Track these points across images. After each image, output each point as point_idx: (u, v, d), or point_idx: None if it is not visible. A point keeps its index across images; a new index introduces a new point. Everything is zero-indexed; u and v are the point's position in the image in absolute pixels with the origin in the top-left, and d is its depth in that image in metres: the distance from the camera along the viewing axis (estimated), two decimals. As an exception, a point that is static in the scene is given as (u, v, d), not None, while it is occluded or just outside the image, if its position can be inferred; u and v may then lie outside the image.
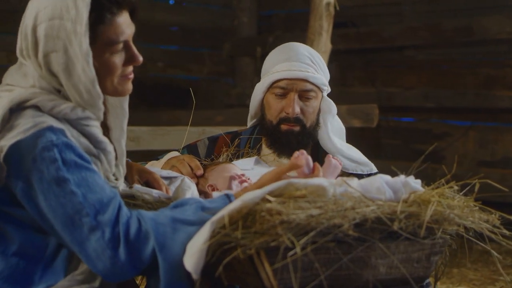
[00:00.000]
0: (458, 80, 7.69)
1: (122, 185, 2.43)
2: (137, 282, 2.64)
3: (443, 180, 2.31)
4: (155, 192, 2.50)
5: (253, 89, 3.13)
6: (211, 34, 9.18)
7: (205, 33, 9.15)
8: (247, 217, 2.04)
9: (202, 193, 2.71)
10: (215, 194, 2.56)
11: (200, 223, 2.12)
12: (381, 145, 8.33)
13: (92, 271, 2.13)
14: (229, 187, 2.68)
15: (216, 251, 2.05)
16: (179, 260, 2.07)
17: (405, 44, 7.86)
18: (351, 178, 2.27)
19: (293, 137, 3.00)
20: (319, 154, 3.05)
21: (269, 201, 2.05)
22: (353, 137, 7.55)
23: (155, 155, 3.08)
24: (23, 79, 2.23)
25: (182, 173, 2.75)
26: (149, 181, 2.60)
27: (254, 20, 9.15)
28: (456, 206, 2.24)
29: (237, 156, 3.07)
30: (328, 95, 3.12)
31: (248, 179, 2.73)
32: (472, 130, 7.69)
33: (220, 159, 3.02)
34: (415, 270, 2.27)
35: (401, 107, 8.07)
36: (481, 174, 2.56)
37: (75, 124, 2.20)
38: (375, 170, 3.04)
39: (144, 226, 2.11)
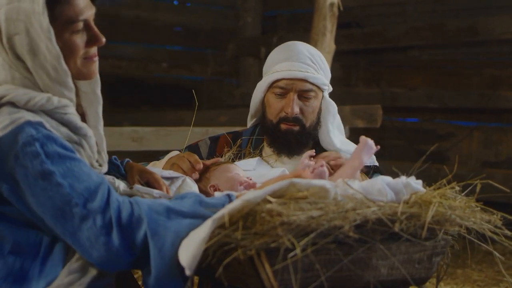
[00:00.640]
0: (463, 81, 7.67)
1: (105, 170, 2.42)
2: (139, 282, 2.63)
3: (444, 181, 2.30)
4: (155, 192, 2.49)
5: (257, 90, 3.13)
6: (215, 35, 9.18)
7: (209, 34, 9.16)
8: (247, 218, 2.03)
9: (204, 193, 2.70)
10: (217, 194, 2.55)
11: (195, 217, 2.12)
12: (385, 145, 8.30)
13: (88, 260, 2.13)
14: (232, 187, 2.67)
15: (217, 251, 2.04)
16: (171, 249, 2.07)
17: (409, 45, 7.85)
18: (352, 180, 2.26)
19: (292, 137, 3.01)
20: (320, 153, 3.03)
21: (270, 202, 2.04)
22: (357, 137, 7.55)
23: (158, 155, 3.08)
24: None
25: (182, 169, 2.75)
26: (150, 181, 2.60)
27: (258, 20, 9.15)
28: (457, 206, 2.23)
29: (239, 156, 3.07)
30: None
31: (250, 179, 2.72)
32: (476, 130, 7.68)
33: (223, 160, 3.02)
34: (416, 271, 2.26)
35: (405, 107, 8.06)
36: (485, 174, 2.54)
37: (52, 114, 2.21)
38: (376, 163, 3.05)
39: (137, 211, 2.11)
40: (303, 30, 7.90)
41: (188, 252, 2.03)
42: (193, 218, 2.12)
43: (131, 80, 8.72)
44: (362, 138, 2.54)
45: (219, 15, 9.24)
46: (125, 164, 2.68)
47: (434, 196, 2.19)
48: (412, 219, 2.14)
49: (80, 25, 2.25)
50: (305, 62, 2.99)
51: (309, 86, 2.99)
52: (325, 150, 3.05)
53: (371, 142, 2.54)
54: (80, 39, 2.26)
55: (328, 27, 5.59)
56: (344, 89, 8.40)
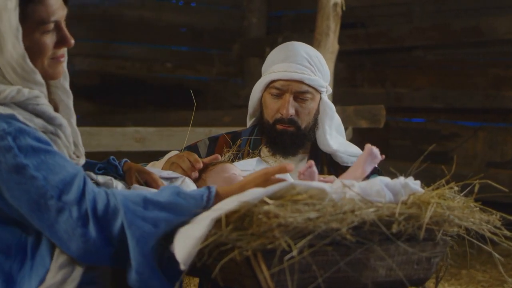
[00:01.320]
0: (467, 81, 7.66)
1: (83, 162, 2.41)
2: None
3: (443, 181, 2.29)
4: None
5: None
6: (220, 35, 9.18)
7: (214, 34, 9.16)
8: (244, 219, 2.02)
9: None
10: None
11: (173, 207, 2.11)
12: (390, 145, 8.31)
13: (67, 253, 2.11)
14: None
15: (213, 252, 2.03)
16: (149, 240, 2.06)
17: (414, 45, 7.84)
18: (351, 181, 2.25)
19: (288, 137, 3.00)
20: (318, 154, 3.05)
21: (267, 203, 2.03)
22: (361, 137, 7.56)
23: (161, 156, 3.07)
24: None
25: (182, 168, 2.74)
26: (148, 182, 2.59)
27: (263, 20, 9.16)
28: (456, 207, 2.21)
29: (238, 157, 3.06)
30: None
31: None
32: (481, 130, 7.66)
33: (221, 158, 3.01)
34: (415, 272, 2.25)
35: (410, 107, 8.05)
36: (483, 174, 2.52)
37: (24, 105, 2.19)
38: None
39: (113, 202, 2.10)
40: (308, 30, 7.89)
41: (184, 248, 2.02)
42: (171, 209, 2.11)
43: (135, 80, 8.72)
44: (367, 146, 2.52)
45: (224, 15, 9.24)
46: (123, 164, 2.67)
47: (432, 196, 2.18)
48: (410, 220, 2.13)
49: (51, 26, 2.23)
50: (302, 63, 2.98)
51: (305, 88, 2.98)
52: (322, 152, 3.05)
53: (376, 151, 2.50)
54: (49, 40, 2.24)
55: (331, 27, 5.58)
56: (349, 90, 8.40)
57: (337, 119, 3.12)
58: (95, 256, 2.09)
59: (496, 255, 2.36)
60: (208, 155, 3.07)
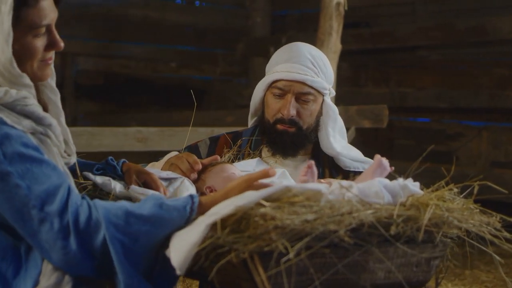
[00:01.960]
0: (472, 80, 7.64)
1: (74, 160, 2.39)
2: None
3: (443, 182, 2.27)
4: (151, 194, 2.47)
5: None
6: (224, 34, 9.18)
7: (218, 33, 9.16)
8: (241, 221, 2.00)
9: (201, 194, 2.68)
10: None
11: (154, 220, 2.09)
12: (394, 145, 8.30)
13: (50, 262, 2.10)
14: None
15: (210, 254, 2.02)
16: (130, 254, 2.05)
17: (418, 44, 7.82)
18: (349, 182, 2.23)
19: (288, 137, 2.98)
20: (319, 156, 3.03)
21: (263, 206, 2.01)
22: (366, 137, 7.55)
23: (162, 156, 3.06)
24: None
25: (181, 169, 2.73)
26: (147, 182, 2.58)
27: (268, 20, 9.15)
28: (455, 209, 2.19)
29: (239, 157, 3.05)
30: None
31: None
32: (485, 130, 7.64)
33: (220, 159, 2.99)
34: (414, 274, 2.23)
35: (414, 107, 8.04)
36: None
37: (12, 106, 2.17)
38: None
39: (95, 214, 2.07)
40: (312, 30, 7.87)
41: (180, 253, 2.01)
42: (153, 223, 2.09)
43: (139, 80, 8.72)
44: (377, 158, 2.48)
45: (228, 14, 9.23)
46: (122, 165, 2.66)
47: (431, 198, 2.16)
48: (409, 222, 2.11)
49: (43, 29, 2.21)
50: (305, 64, 2.97)
51: (307, 89, 2.96)
52: (324, 153, 3.03)
53: (386, 162, 2.46)
54: (40, 43, 2.22)
55: (334, 27, 5.56)
56: (353, 89, 8.39)
57: (340, 122, 3.10)
58: (76, 268, 2.07)
59: (497, 257, 2.34)
60: (208, 155, 3.06)
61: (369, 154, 3.02)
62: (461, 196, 2.30)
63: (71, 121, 7.74)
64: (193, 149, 3.12)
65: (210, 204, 2.14)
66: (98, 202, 2.12)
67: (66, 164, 2.32)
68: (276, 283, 1.99)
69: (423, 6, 7.95)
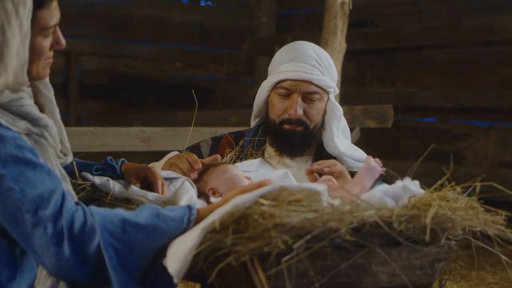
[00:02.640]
0: (478, 80, 7.61)
1: (70, 159, 2.36)
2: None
3: (444, 180, 2.22)
4: (151, 195, 2.44)
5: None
6: (229, 34, 9.17)
7: (224, 33, 9.15)
8: (240, 222, 1.97)
9: (202, 195, 2.66)
10: (213, 199, 2.50)
11: (152, 230, 2.06)
12: (400, 145, 8.27)
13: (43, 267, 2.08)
14: (231, 189, 2.61)
15: (208, 257, 1.98)
16: (125, 262, 2.02)
17: (424, 44, 7.79)
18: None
19: (295, 136, 2.97)
20: (322, 156, 3.00)
21: (262, 204, 1.97)
22: (371, 137, 7.52)
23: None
24: None
25: (181, 169, 2.70)
26: (147, 176, 2.56)
27: (273, 19, 9.14)
28: (459, 208, 2.15)
29: (241, 157, 3.03)
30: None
31: (249, 179, 2.68)
32: (492, 130, 7.60)
33: (221, 159, 2.97)
34: (418, 277, 2.19)
35: (420, 107, 8.01)
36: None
37: (8, 107, 2.14)
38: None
39: (90, 221, 2.04)
40: (318, 29, 7.84)
41: (177, 261, 1.98)
42: (149, 232, 2.06)
43: (145, 79, 8.71)
44: (366, 160, 2.47)
45: (233, 14, 9.22)
46: (121, 165, 2.63)
47: (433, 198, 2.12)
48: (412, 221, 2.07)
49: (52, 29, 2.20)
50: (310, 63, 2.95)
51: (313, 88, 2.94)
52: (328, 153, 3.01)
53: (374, 164, 2.45)
54: (47, 43, 2.21)
55: (339, 26, 5.52)
56: (358, 89, 8.36)
57: (343, 121, 3.09)
58: (70, 274, 2.05)
59: (503, 257, 2.29)
60: (210, 155, 3.04)
61: (374, 154, 3.00)
62: (465, 195, 2.25)
63: (75, 121, 7.73)
64: (195, 149, 3.11)
65: (207, 215, 2.10)
66: (94, 208, 2.09)
67: (62, 164, 2.29)
68: (276, 286, 1.96)
69: (429, 5, 7.92)
